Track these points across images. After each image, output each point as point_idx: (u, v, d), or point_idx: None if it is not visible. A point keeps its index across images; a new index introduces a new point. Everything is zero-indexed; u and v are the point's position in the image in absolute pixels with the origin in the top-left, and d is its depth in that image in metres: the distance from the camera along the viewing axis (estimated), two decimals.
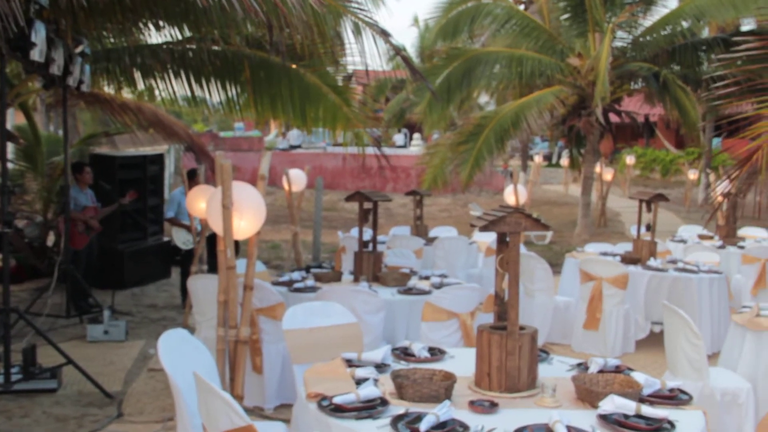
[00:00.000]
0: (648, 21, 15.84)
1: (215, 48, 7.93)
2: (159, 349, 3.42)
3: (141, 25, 7.39)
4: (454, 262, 8.76)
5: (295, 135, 31.19)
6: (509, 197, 9.74)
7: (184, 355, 3.57)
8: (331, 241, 13.21)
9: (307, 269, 6.77)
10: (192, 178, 8.74)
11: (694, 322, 4.71)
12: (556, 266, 9.48)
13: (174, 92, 8.80)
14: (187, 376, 3.25)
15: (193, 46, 8.09)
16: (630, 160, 25.00)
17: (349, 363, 3.62)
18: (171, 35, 7.87)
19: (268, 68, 8.20)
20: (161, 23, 7.31)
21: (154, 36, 8.15)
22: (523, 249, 8.52)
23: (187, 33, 7.84)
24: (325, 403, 3.05)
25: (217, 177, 4.75)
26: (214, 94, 8.88)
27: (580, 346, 7.34)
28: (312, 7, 5.79)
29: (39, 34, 5.65)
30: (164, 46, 7.97)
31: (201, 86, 8.62)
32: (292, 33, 6.09)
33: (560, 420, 2.80)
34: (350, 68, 8.90)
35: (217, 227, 4.73)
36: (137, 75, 8.42)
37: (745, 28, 17.24)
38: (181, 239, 8.73)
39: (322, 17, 5.91)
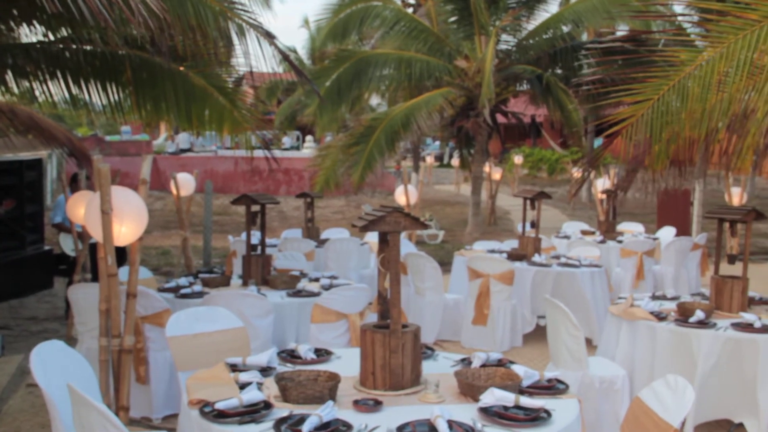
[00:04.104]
0: (531, 25, 16.40)
1: (93, 48, 7.60)
2: (32, 362, 3.29)
3: (11, 22, 7.00)
4: (345, 264, 8.78)
5: (184, 138, 30.48)
6: (400, 197, 9.86)
7: (60, 368, 3.44)
8: (223, 245, 12.99)
9: (196, 274, 6.63)
10: (74, 182, 8.47)
11: (577, 315, 4.91)
12: (447, 265, 9.65)
13: (51, 94, 8.40)
14: (65, 390, 3.13)
15: (71, 46, 7.73)
16: (518, 159, 25.76)
17: (234, 367, 3.57)
18: (45, 34, 7.50)
19: (150, 69, 7.93)
20: (32, 21, 6.94)
21: (30, 35, 7.75)
22: (413, 248, 8.65)
23: (63, 32, 7.50)
24: (207, 409, 2.99)
25: (95, 182, 4.60)
26: (95, 97, 8.52)
27: (470, 342, 7.49)
28: (193, 8, 5.67)
29: None
30: (38, 45, 7.58)
31: (80, 88, 8.23)
32: (175, 34, 5.92)
33: (441, 415, 2.85)
34: (240, 70, 8.73)
35: (96, 234, 4.57)
36: (9, 76, 7.98)
37: (619, 32, 18.07)
38: (69, 246, 8.41)
39: (204, 18, 5.79)
